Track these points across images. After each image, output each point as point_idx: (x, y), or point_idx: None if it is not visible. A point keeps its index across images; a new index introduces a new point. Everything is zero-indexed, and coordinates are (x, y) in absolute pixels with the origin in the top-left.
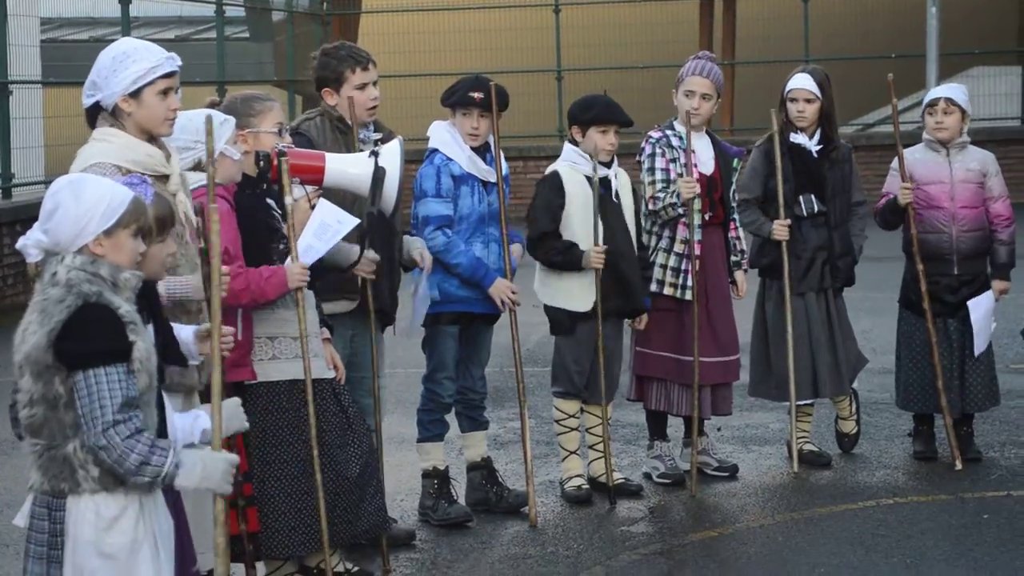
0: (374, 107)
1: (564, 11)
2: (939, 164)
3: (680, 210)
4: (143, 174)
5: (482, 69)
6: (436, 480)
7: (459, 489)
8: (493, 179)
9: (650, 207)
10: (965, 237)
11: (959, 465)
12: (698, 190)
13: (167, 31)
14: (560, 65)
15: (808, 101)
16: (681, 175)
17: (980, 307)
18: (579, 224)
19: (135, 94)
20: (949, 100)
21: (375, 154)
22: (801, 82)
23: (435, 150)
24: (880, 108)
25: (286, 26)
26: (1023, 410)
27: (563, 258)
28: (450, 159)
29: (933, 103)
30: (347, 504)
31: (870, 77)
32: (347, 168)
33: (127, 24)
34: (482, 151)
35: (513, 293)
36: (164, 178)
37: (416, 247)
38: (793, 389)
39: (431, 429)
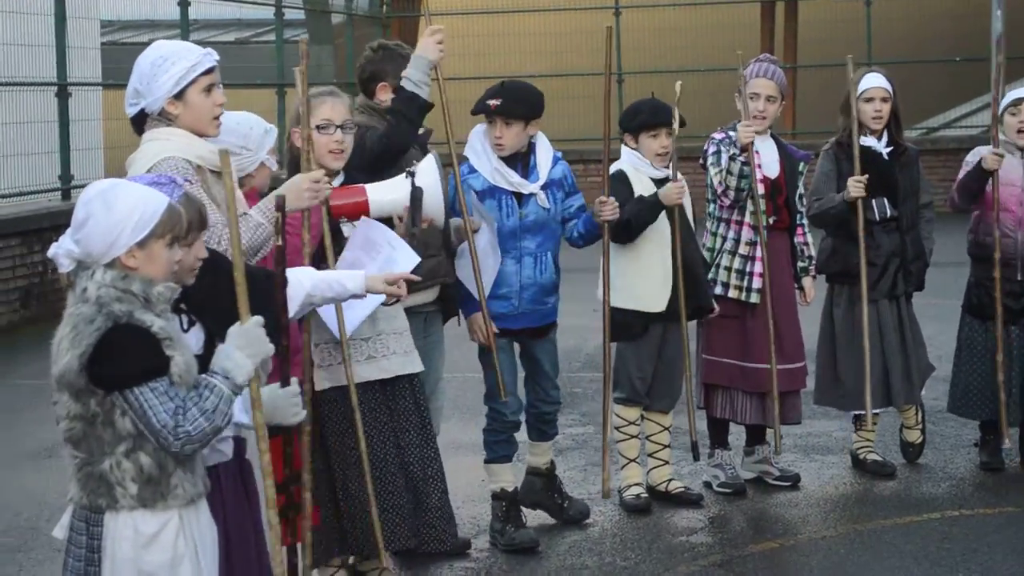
0: None
1: (624, 14)
2: (1013, 167)
3: (741, 158)
4: (183, 173)
5: (542, 72)
6: (504, 502)
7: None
8: (528, 190)
9: (719, 190)
10: None
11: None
12: (752, 135)
13: (226, 34)
14: (621, 68)
15: (884, 100)
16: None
17: None
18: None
19: (179, 95)
20: None
21: (411, 174)
22: (877, 80)
23: (466, 158)
24: (944, 111)
25: (345, 28)
26: None
27: (648, 210)
28: (473, 170)
29: (1018, 102)
30: (408, 508)
31: (932, 81)
32: (387, 195)
33: (186, 27)
34: (521, 159)
35: (492, 332)
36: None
37: (457, 222)
38: (869, 399)
39: (497, 450)
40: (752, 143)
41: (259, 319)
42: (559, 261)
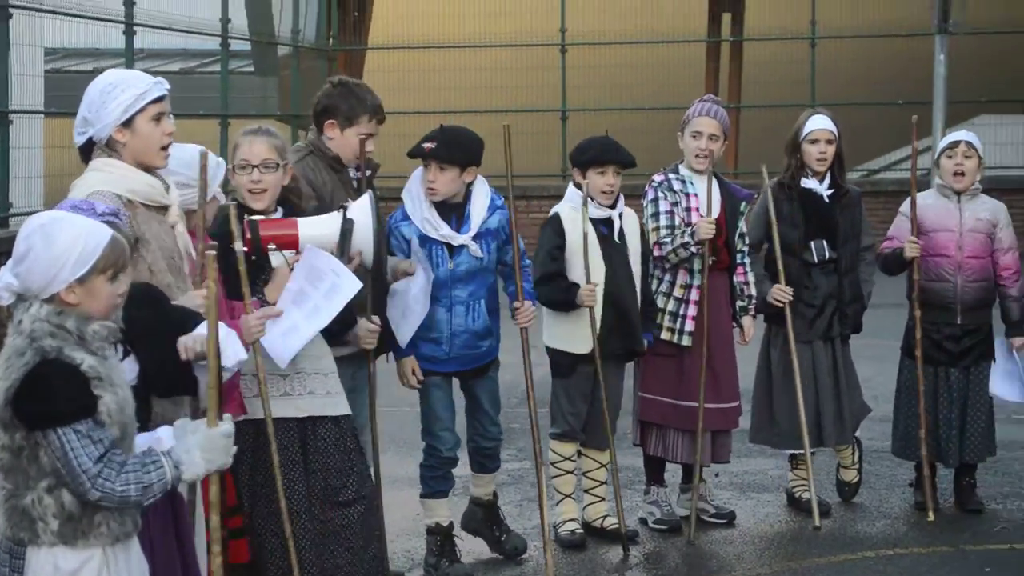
0: (365, 158)
1: (570, 51)
2: (949, 211)
3: (693, 249)
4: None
5: (487, 107)
6: (439, 537)
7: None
8: (458, 242)
9: (656, 253)
10: (970, 287)
11: (931, 517)
12: (713, 232)
13: (172, 63)
14: (565, 105)
15: (829, 142)
16: (684, 220)
17: (1000, 368)
18: (580, 266)
19: (128, 123)
20: (970, 144)
21: (344, 208)
22: (822, 123)
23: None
24: (886, 154)
25: (291, 60)
26: None
27: (563, 297)
28: (407, 217)
29: (954, 145)
30: (336, 550)
31: (875, 123)
32: (318, 230)
33: (131, 56)
34: (456, 208)
35: (416, 379)
36: (163, 209)
37: (401, 262)
38: (807, 437)
39: (433, 485)
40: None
41: (230, 429)
42: (497, 301)
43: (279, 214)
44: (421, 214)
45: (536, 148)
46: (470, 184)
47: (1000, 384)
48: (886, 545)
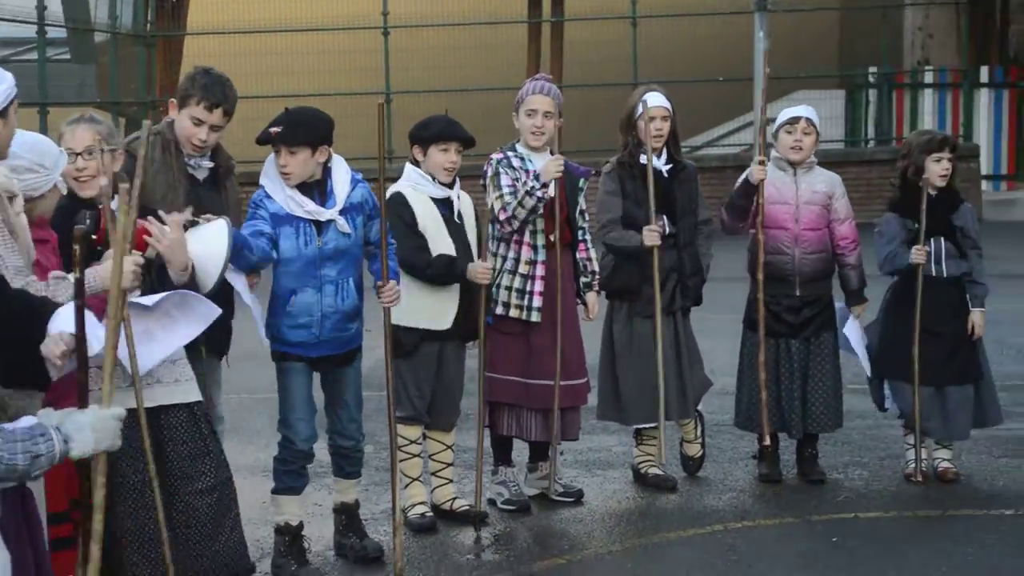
0: (198, 147)
1: (393, 34)
2: (786, 184)
3: (539, 193)
4: None
5: (311, 91)
6: (287, 537)
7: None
8: (325, 217)
9: (501, 217)
10: (808, 259)
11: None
12: (560, 170)
13: None
14: (389, 88)
15: (664, 119)
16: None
17: (854, 332)
18: (433, 245)
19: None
20: (809, 120)
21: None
22: (659, 99)
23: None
24: (708, 130)
25: (109, 48)
26: (865, 431)
27: (446, 271)
28: (269, 196)
29: (794, 121)
30: (198, 538)
31: (696, 100)
32: (207, 246)
33: None
34: (317, 185)
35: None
36: (12, 198)
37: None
38: (663, 409)
39: (285, 480)
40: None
41: (121, 412)
42: (362, 281)
43: (115, 203)
44: (284, 193)
45: (361, 131)
46: (327, 162)
47: (866, 365)
48: (734, 518)
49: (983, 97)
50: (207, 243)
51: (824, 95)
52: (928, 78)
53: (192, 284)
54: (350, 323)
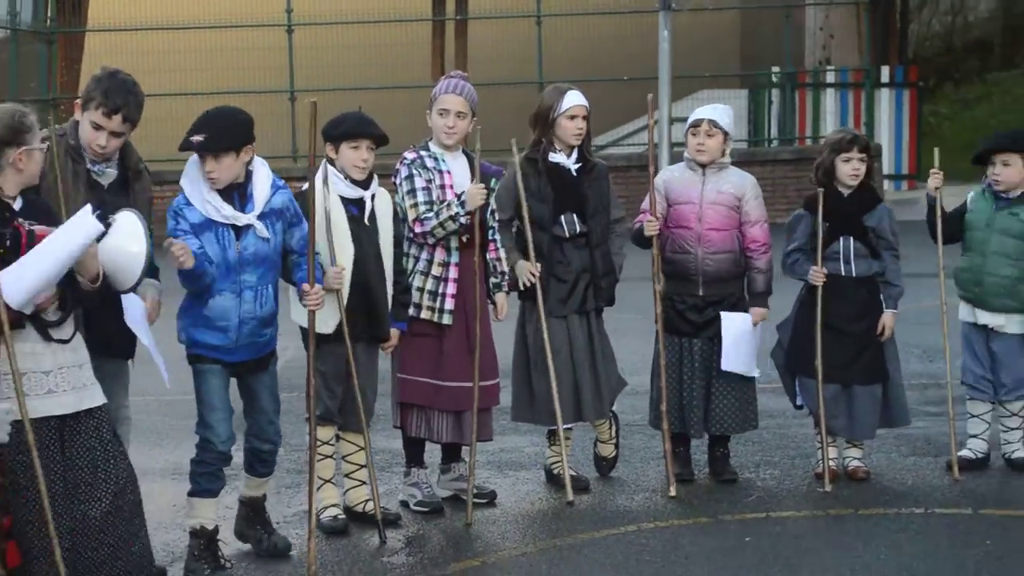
0: (98, 152)
1: (297, 32)
2: (693, 184)
3: (463, 220)
4: None
5: (214, 89)
6: (203, 541)
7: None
8: (243, 222)
9: (417, 229)
10: (711, 259)
11: (672, 492)
12: (483, 200)
13: None
14: (293, 86)
15: (584, 118)
16: (440, 197)
17: (732, 323)
18: (331, 244)
19: None
20: (712, 122)
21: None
22: (580, 99)
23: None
24: (612, 130)
25: (9, 44)
26: (775, 430)
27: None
28: (188, 203)
29: (696, 124)
30: (97, 545)
31: (601, 100)
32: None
33: None
34: (238, 188)
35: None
36: None
37: (149, 286)
38: (559, 412)
39: (202, 483)
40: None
41: (9, 408)
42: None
43: (19, 204)
44: (202, 196)
45: (266, 130)
46: (249, 162)
47: (729, 360)
48: (647, 518)
49: (884, 97)
50: (121, 246)
51: (727, 94)
52: (830, 78)
53: (105, 290)
54: (266, 328)
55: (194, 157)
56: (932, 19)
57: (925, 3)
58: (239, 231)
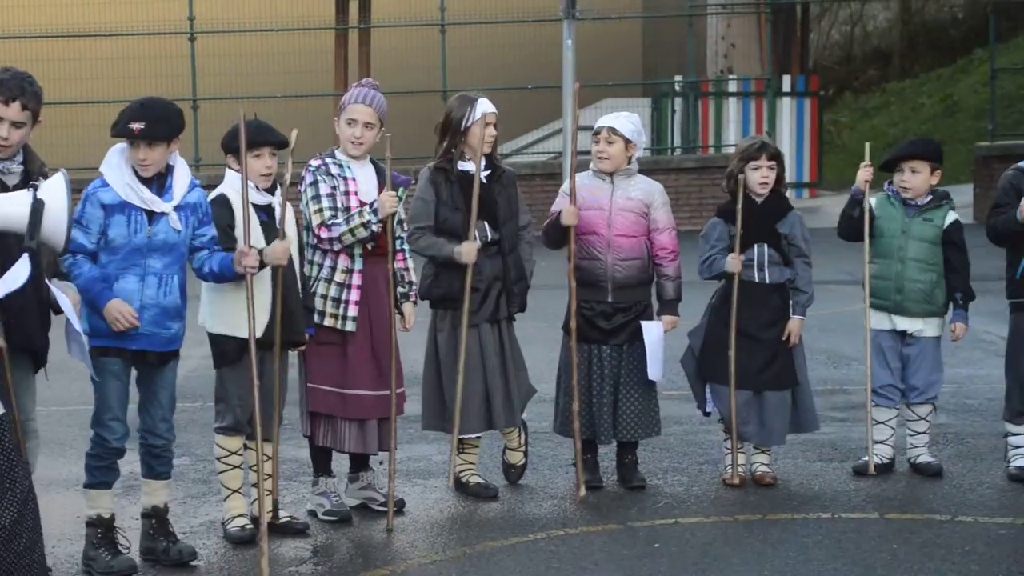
0: (2, 144)
1: (200, 39)
2: (602, 190)
3: (375, 228)
4: None
5: (117, 97)
6: (100, 529)
7: (132, 536)
8: (161, 209)
9: (324, 235)
10: (620, 266)
11: (581, 493)
12: (396, 207)
13: None
14: (196, 94)
15: (494, 125)
16: (344, 205)
17: (652, 332)
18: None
19: None
20: (612, 129)
21: (35, 187)
22: (490, 106)
23: (103, 172)
24: (516, 138)
25: None
26: (682, 436)
27: (235, 278)
28: (106, 184)
29: (597, 132)
30: (5, 553)
31: (505, 108)
32: (6, 208)
33: None
34: (157, 178)
35: (132, 316)
36: None
37: (68, 287)
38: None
39: (97, 475)
40: None
41: None
42: (186, 284)
43: None
44: (123, 180)
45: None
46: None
47: (653, 368)
48: (556, 525)
49: (786, 106)
50: (49, 194)
51: (630, 103)
52: (732, 87)
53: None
54: (171, 322)
55: (120, 145)
56: (832, 29)
57: (825, 13)
58: (152, 217)
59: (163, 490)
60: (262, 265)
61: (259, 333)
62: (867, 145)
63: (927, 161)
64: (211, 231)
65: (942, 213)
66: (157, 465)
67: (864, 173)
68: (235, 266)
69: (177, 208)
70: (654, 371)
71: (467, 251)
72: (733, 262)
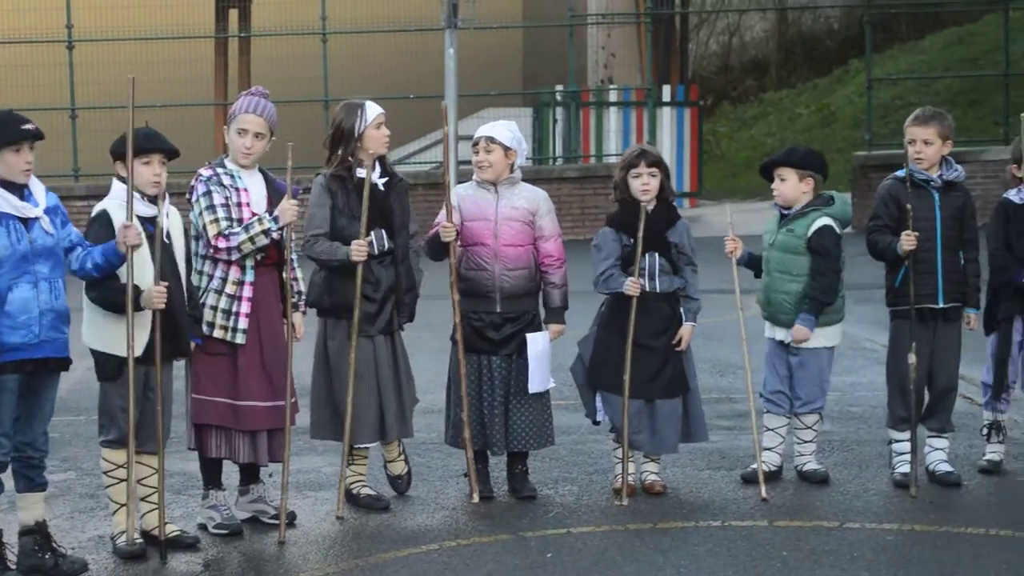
0: None
1: (78, 47)
2: (486, 201)
3: (275, 235)
4: None
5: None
6: None
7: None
8: (33, 214)
9: (221, 244)
10: (508, 276)
11: (476, 499)
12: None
13: None
14: (74, 103)
15: (385, 125)
16: (237, 215)
17: (536, 344)
18: (130, 264)
19: None
20: (489, 138)
21: None
22: (378, 108)
23: None
24: (397, 148)
25: None
26: (572, 446)
27: (116, 298)
28: None
29: (476, 142)
30: None
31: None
32: None
33: None
34: (20, 186)
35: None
36: None
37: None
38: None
39: None
40: None
41: None
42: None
43: None
44: None
45: (48, 148)
46: None
47: (535, 381)
48: (448, 536)
49: (666, 115)
50: None
51: (511, 113)
52: (613, 96)
53: None
54: (64, 326)
55: None
56: (710, 39)
57: (703, 23)
58: (27, 224)
59: (41, 503)
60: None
61: (139, 352)
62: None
63: (793, 168)
64: (74, 229)
65: (807, 222)
66: (36, 476)
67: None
68: (119, 247)
69: (45, 211)
70: (535, 384)
71: (356, 249)
72: (632, 287)
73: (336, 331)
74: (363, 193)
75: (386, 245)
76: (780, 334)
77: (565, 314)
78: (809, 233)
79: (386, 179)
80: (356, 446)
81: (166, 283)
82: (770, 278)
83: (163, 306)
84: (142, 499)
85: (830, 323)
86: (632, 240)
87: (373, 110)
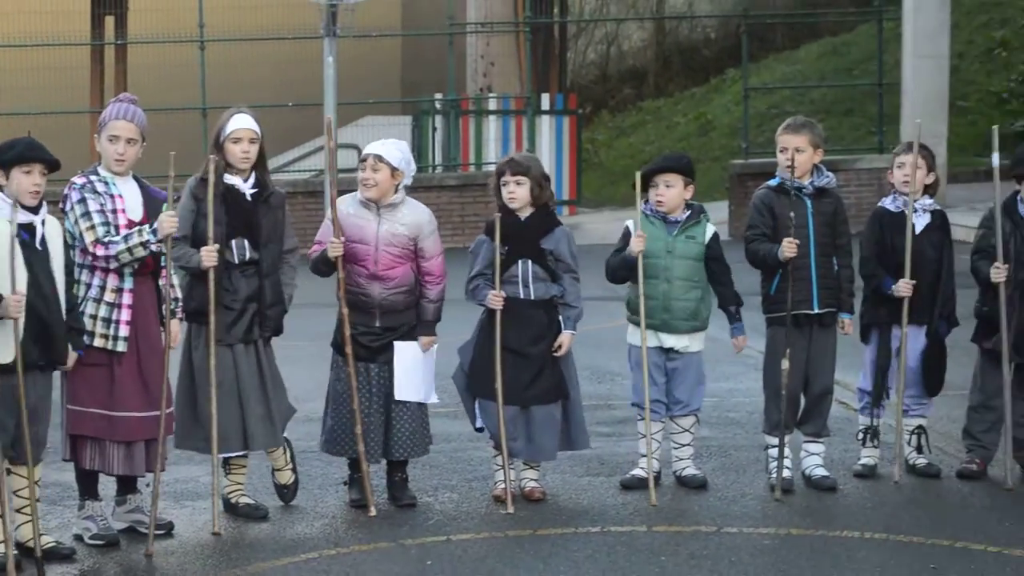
0: None
1: None
2: (367, 222)
3: (154, 247)
4: None
5: None
6: None
7: None
8: None
9: (100, 252)
10: (387, 295)
11: (373, 511)
12: (175, 228)
13: None
14: None
15: (252, 141)
16: (112, 222)
17: (406, 353)
18: (4, 274)
19: None
20: (378, 157)
21: None
22: (247, 122)
23: None
24: (275, 156)
25: None
26: (451, 453)
27: None
28: None
29: (364, 159)
30: None
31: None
32: None
33: None
34: None
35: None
36: None
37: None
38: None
39: None
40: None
41: None
42: None
43: None
44: None
45: None
46: None
47: (403, 389)
48: (327, 545)
49: (545, 124)
50: None
51: (390, 121)
52: (492, 105)
53: None
54: None
55: None
56: (588, 48)
57: (581, 32)
58: None
59: None
60: None
61: (8, 359)
62: (631, 222)
63: (680, 174)
64: None
65: (702, 229)
66: None
67: (639, 243)
68: None
69: None
70: (400, 391)
71: (205, 254)
72: (494, 300)
73: (199, 340)
74: (230, 200)
75: (247, 255)
76: (671, 341)
77: (436, 326)
78: (707, 240)
79: (256, 190)
80: (221, 455)
81: (23, 292)
82: (670, 286)
83: (20, 316)
84: (18, 511)
85: (703, 328)
86: (506, 248)
87: (236, 123)
